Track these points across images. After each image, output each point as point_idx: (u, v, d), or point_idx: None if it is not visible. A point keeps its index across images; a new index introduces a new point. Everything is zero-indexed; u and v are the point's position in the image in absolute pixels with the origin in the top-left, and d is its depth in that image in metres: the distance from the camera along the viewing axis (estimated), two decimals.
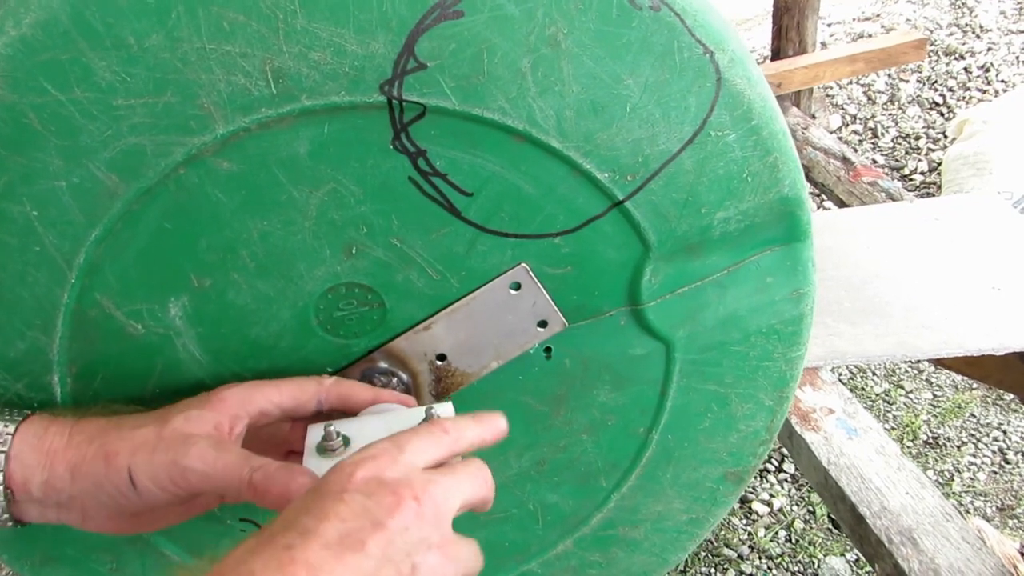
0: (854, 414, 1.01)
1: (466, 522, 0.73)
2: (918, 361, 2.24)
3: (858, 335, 1.13)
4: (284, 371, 0.61)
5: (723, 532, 1.85)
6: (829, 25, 3.53)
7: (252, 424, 0.55)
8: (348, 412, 0.59)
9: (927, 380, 2.17)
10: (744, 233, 0.63)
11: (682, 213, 0.60)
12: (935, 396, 2.12)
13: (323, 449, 0.55)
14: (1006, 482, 1.88)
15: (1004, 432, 1.99)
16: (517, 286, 0.61)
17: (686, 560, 1.82)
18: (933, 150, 2.84)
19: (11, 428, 0.50)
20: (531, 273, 0.61)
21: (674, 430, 0.70)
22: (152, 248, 0.56)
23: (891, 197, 1.51)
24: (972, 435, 2.00)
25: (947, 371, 2.17)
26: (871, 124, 3.02)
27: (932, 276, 1.25)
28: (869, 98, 3.11)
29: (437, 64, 0.52)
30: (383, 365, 0.63)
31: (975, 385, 2.12)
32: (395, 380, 0.63)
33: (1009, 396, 2.07)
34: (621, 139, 0.57)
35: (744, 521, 1.87)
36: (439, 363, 0.64)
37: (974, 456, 1.94)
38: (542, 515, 0.73)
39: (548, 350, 0.65)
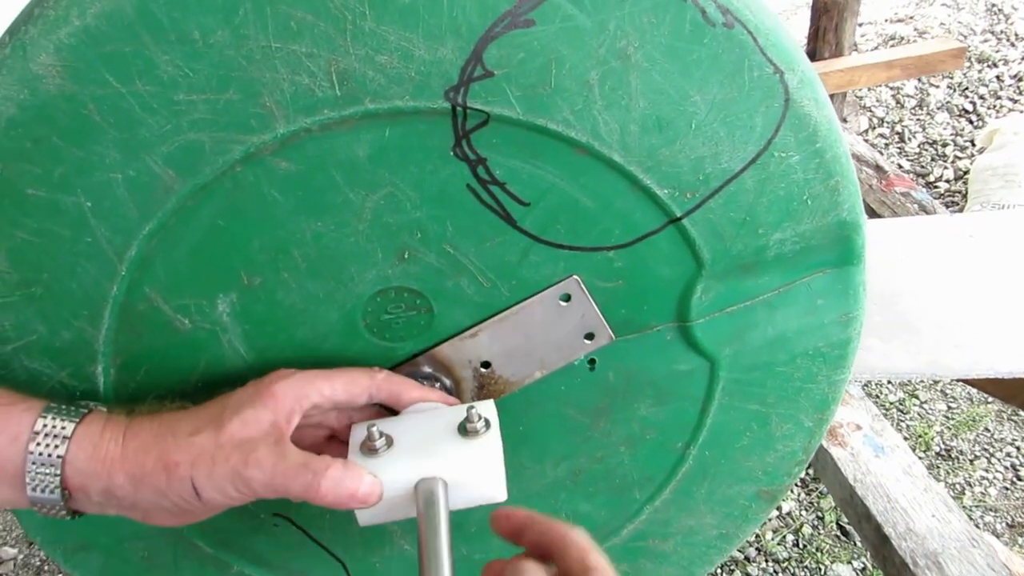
0: (881, 431, 1.00)
1: None
2: None
3: (888, 351, 1.12)
4: None
5: None
6: (861, 25, 3.48)
7: (304, 417, 0.55)
8: (395, 408, 0.59)
9: (942, 391, 2.16)
10: (799, 255, 0.62)
11: (739, 233, 0.59)
12: (949, 408, 2.11)
13: (367, 449, 0.55)
14: (1017, 498, 1.87)
15: (1018, 448, 1.98)
16: (567, 298, 0.61)
17: None
18: (960, 158, 2.81)
19: (68, 430, 0.50)
20: (582, 285, 0.60)
21: (712, 447, 0.69)
22: (204, 244, 0.55)
23: (923, 209, 1.49)
24: (985, 449, 1.99)
25: (963, 384, 2.16)
26: (898, 128, 2.99)
27: (964, 294, 1.23)
28: (898, 102, 3.07)
29: (504, 72, 0.51)
30: (427, 370, 0.62)
31: (990, 399, 2.11)
32: (438, 385, 0.62)
33: None
34: (684, 156, 0.56)
35: None
36: (483, 370, 0.63)
37: (986, 471, 1.94)
38: (574, 524, 0.72)
39: (592, 362, 0.65)
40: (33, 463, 0.49)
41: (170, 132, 0.51)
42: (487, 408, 0.58)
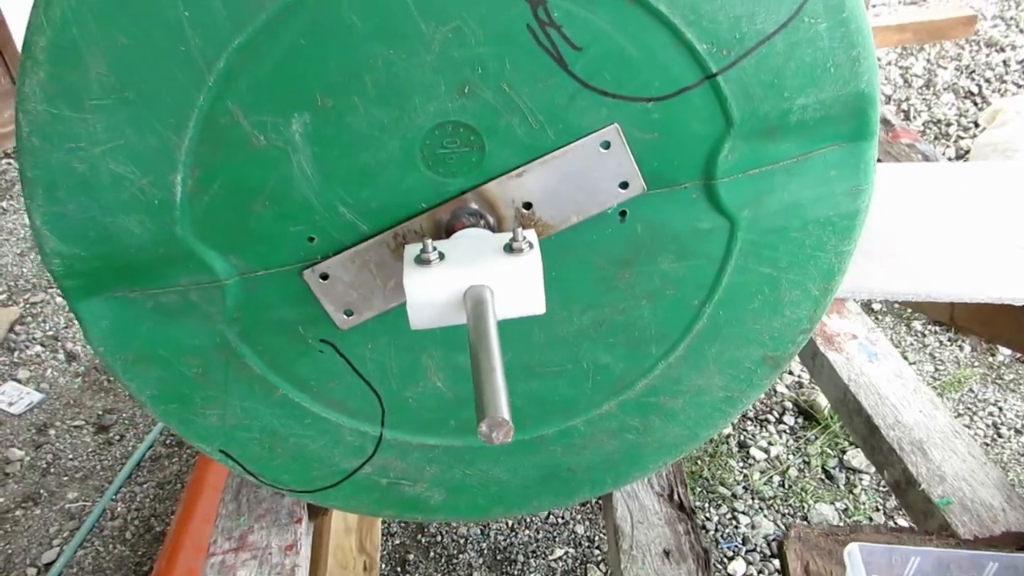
0: (876, 341, 1.07)
1: (521, 372, 0.79)
2: (924, 332, 2.31)
3: (886, 275, 1.19)
4: (383, 201, 0.67)
5: (720, 472, 1.92)
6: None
7: None
8: None
9: (931, 354, 2.23)
10: (818, 123, 0.68)
11: (767, 94, 0.65)
12: (937, 370, 2.19)
13: (420, 260, 0.61)
14: (996, 454, 1.95)
15: (1000, 408, 2.06)
16: (607, 145, 0.66)
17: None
18: (962, 138, 2.87)
19: None
20: (621, 134, 0.66)
21: (725, 307, 0.75)
22: (286, 62, 0.60)
23: (927, 159, 1.55)
24: (968, 408, 2.07)
25: (950, 346, 2.24)
26: (904, 107, 3.05)
27: (960, 231, 1.30)
28: (905, 80, 3.13)
29: None
30: (473, 206, 0.68)
31: (976, 363, 2.19)
32: (483, 222, 0.68)
33: (1008, 376, 2.14)
34: (724, 14, 0.61)
35: (741, 464, 1.95)
36: (525, 211, 0.69)
37: (968, 427, 2.01)
38: (593, 374, 0.79)
39: (623, 213, 0.70)
40: None
41: None
42: (530, 234, 0.64)
